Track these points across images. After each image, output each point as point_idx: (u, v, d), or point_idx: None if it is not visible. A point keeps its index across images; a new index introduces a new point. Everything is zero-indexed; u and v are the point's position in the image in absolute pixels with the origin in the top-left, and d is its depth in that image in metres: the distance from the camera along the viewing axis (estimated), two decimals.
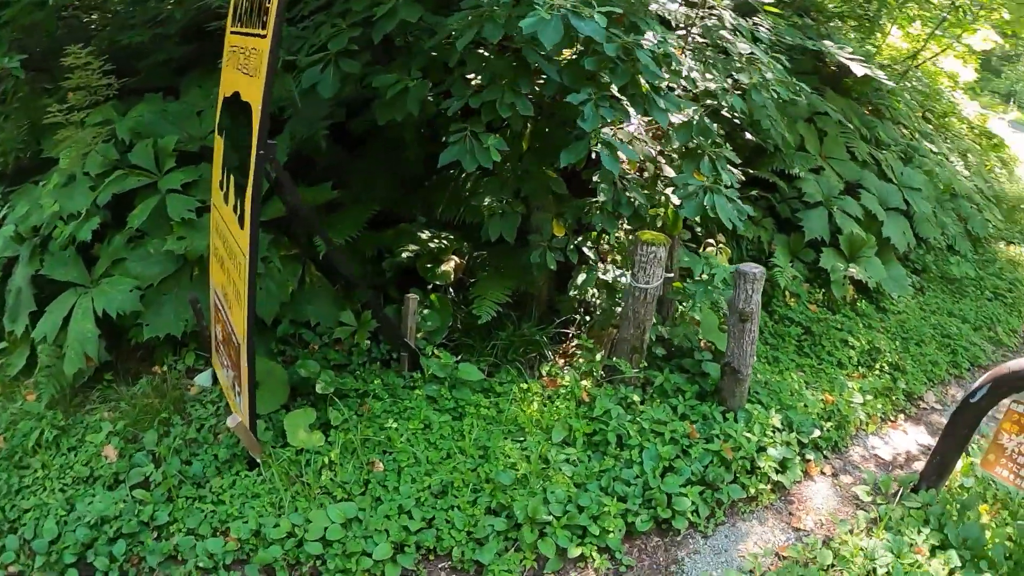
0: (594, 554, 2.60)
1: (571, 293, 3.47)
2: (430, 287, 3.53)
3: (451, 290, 3.66)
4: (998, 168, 7.87)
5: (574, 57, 2.76)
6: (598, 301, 3.68)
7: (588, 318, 3.64)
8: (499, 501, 2.65)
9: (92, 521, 2.51)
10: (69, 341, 3.06)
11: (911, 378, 4.14)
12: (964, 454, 3.14)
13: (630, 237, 3.55)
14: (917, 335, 4.50)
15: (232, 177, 2.47)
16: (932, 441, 3.68)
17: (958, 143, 7.04)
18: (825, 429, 3.49)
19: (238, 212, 2.35)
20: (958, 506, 3.01)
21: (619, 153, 2.83)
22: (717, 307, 3.76)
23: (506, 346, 3.44)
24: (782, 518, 3.04)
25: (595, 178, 3.17)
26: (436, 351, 3.34)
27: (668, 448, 3.02)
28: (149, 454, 2.89)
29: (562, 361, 3.48)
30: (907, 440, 3.72)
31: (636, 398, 3.23)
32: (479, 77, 2.84)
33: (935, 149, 6.08)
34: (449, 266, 3.65)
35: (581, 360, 3.35)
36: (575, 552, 2.56)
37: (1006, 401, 2.91)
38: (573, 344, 3.54)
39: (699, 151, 3.08)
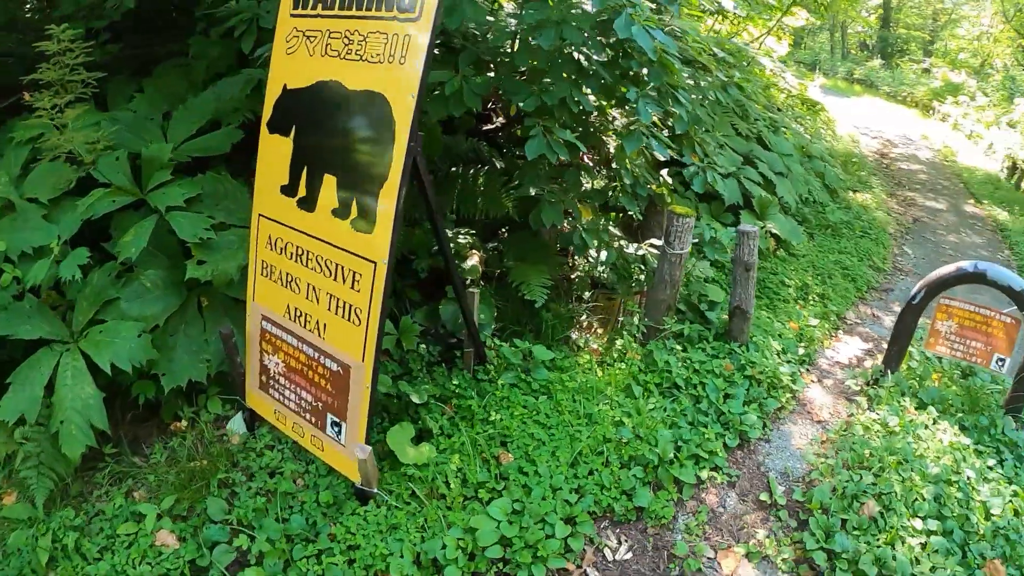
0: (712, 473, 3.18)
1: (599, 270, 4.01)
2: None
3: (482, 282, 3.98)
4: (823, 130, 9.94)
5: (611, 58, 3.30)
6: (606, 275, 4.27)
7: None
8: (628, 455, 3.08)
9: None
10: (64, 414, 2.57)
11: (834, 303, 5.34)
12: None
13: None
14: (826, 271, 5.78)
15: (332, 175, 2.34)
16: (868, 346, 4.87)
17: (790, 111, 8.84)
18: (801, 348, 4.45)
19: (354, 215, 2.28)
20: (918, 378, 4.09)
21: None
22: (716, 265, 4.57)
23: (551, 326, 3.88)
24: (805, 417, 3.88)
25: (614, 164, 3.75)
26: (494, 340, 3.63)
27: (720, 380, 3.72)
28: (223, 527, 2.57)
29: (601, 330, 4.00)
30: (850, 348, 4.83)
31: (679, 347, 3.89)
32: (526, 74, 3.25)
33: (776, 119, 7.64)
34: (475, 261, 3.98)
35: (624, 325, 3.91)
36: (704, 475, 3.12)
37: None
38: (596, 317, 4.09)
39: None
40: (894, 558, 2.58)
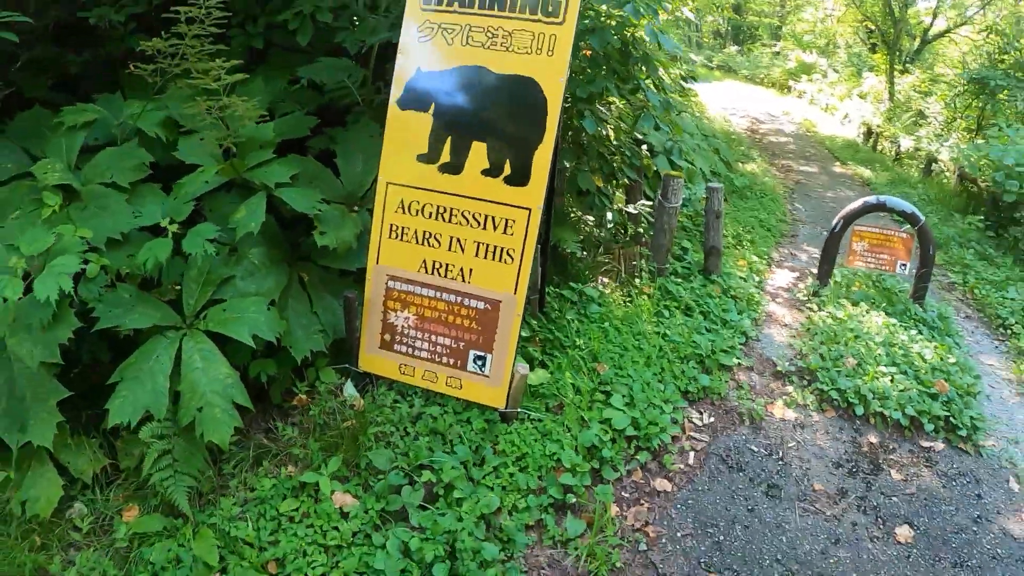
0: (738, 360, 4.49)
1: (608, 227, 5.25)
2: None
3: None
4: (698, 113, 11.79)
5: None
6: (612, 231, 5.50)
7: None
8: (682, 354, 4.29)
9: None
10: (201, 399, 2.56)
11: (762, 247, 6.93)
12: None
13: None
14: (748, 225, 7.40)
15: (481, 143, 3.02)
16: (796, 274, 6.45)
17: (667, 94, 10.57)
18: (755, 277, 5.94)
19: (505, 174, 2.98)
20: (845, 286, 5.69)
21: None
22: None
23: (583, 274, 5.04)
24: (775, 323, 5.31)
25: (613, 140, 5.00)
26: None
27: (715, 300, 5.07)
28: (397, 472, 2.82)
29: (623, 274, 5.21)
30: (784, 277, 6.39)
31: (679, 280, 5.20)
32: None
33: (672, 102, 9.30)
34: None
35: (638, 268, 5.16)
36: (733, 362, 4.42)
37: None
38: (611, 265, 5.31)
39: None
40: (879, 387, 4.01)
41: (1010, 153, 7.97)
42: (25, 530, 2.48)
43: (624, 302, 4.72)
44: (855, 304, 5.30)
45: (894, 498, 3.27)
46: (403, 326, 3.30)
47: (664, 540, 2.86)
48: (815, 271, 6.07)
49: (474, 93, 3.11)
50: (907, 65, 15.46)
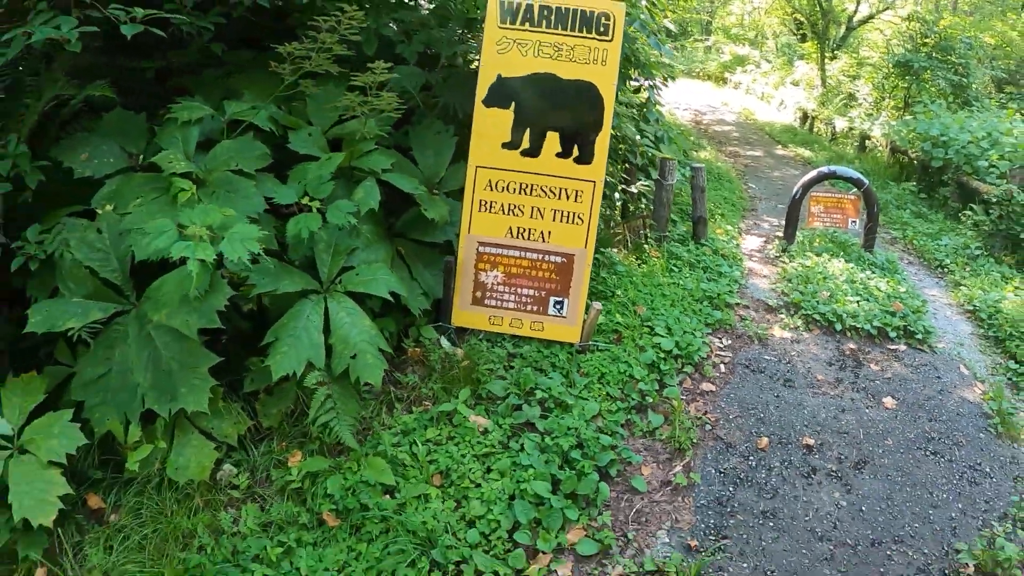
0: (736, 300, 5.69)
1: (616, 204, 6.41)
2: None
3: None
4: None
5: None
6: (618, 206, 6.65)
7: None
8: (695, 297, 5.44)
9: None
10: (354, 348, 3.12)
11: (732, 219, 8.25)
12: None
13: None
14: (715, 202, 8.72)
15: (555, 132, 4.11)
16: (763, 238, 7.77)
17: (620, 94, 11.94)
18: (733, 242, 7.22)
19: (575, 156, 4.17)
20: (808, 242, 7.02)
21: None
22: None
23: (604, 242, 6.15)
24: (755, 275, 6.55)
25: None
26: None
27: (709, 259, 6.29)
28: (512, 396, 3.68)
29: (631, 243, 6.36)
30: (754, 242, 7.68)
31: (678, 244, 6.40)
32: None
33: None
34: None
35: (644, 236, 6.33)
36: (735, 301, 5.61)
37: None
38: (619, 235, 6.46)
39: None
40: (850, 309, 5.27)
41: (935, 126, 9.60)
42: (182, 496, 2.88)
43: (639, 263, 5.87)
44: (818, 255, 6.61)
45: (876, 381, 4.51)
46: (492, 283, 4.30)
47: (721, 421, 3.98)
48: (780, 235, 7.38)
49: (547, 94, 4.17)
50: (835, 51, 17.40)
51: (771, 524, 3.22)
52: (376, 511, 2.87)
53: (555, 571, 2.83)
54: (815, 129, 15.45)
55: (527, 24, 4.15)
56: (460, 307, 4.31)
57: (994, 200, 7.32)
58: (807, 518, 3.27)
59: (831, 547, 3.11)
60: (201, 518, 2.83)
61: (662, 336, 4.61)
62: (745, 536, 3.13)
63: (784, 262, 6.66)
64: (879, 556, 3.08)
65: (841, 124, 14.02)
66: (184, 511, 2.84)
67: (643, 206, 6.67)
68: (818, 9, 17.56)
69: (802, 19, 19.48)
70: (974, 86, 12.16)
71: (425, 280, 4.17)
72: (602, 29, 4.13)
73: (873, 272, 6.28)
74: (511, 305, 4.33)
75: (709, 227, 7.41)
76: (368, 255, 3.62)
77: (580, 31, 4.13)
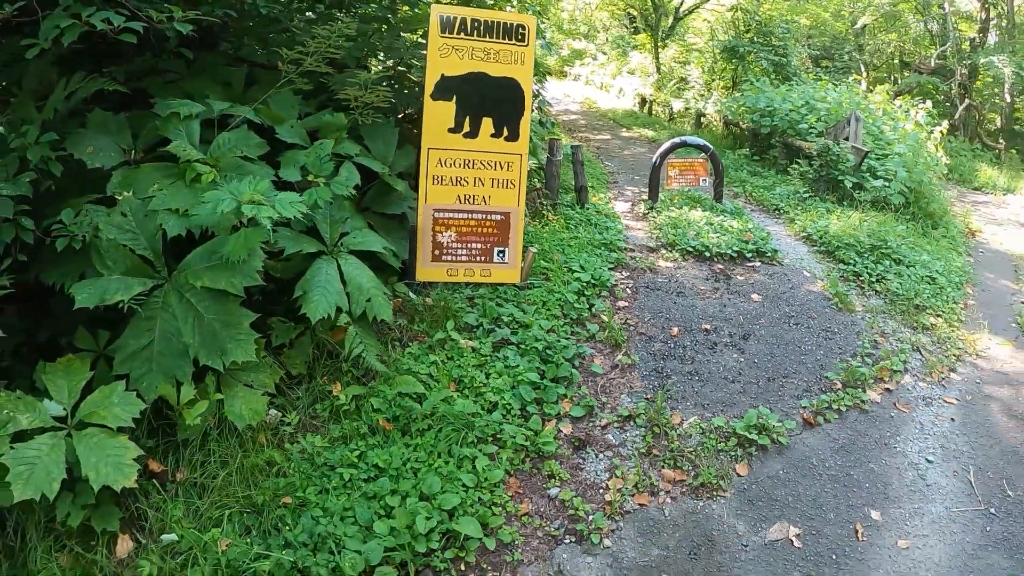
0: (626, 245, 7.06)
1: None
2: None
3: None
4: None
5: None
6: None
7: None
8: (595, 245, 6.71)
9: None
10: (368, 293, 3.87)
11: (600, 190, 9.74)
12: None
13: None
14: (592, 171, 10.15)
15: (488, 118, 5.24)
16: (629, 203, 9.29)
17: None
18: (607, 204, 8.66)
19: (505, 135, 5.28)
20: (669, 199, 8.61)
21: None
22: None
23: None
24: (631, 229, 8.00)
25: None
26: None
27: (596, 217, 7.65)
28: (484, 326, 4.67)
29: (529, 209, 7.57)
30: (623, 205, 9.17)
31: (568, 209, 7.70)
32: None
33: None
34: None
35: (540, 204, 7.56)
36: (624, 246, 6.97)
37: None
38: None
39: None
40: (713, 241, 6.79)
41: (761, 100, 11.71)
42: (242, 441, 3.29)
43: (543, 225, 7.09)
44: (679, 208, 8.16)
45: (744, 286, 6.00)
46: (447, 242, 5.30)
47: (640, 323, 5.24)
48: (645, 198, 8.89)
49: (480, 88, 5.22)
50: (665, 40, 19.76)
51: (696, 379, 4.51)
52: (418, 413, 3.73)
53: (561, 430, 3.92)
54: (653, 112, 17.60)
55: (462, 34, 5.17)
56: (422, 265, 5.27)
57: (815, 154, 9.29)
58: (719, 372, 4.60)
59: (741, 386, 4.45)
60: (271, 452, 3.30)
61: (579, 272, 5.83)
62: (682, 388, 4.40)
63: (653, 216, 8.14)
64: (775, 386, 4.47)
65: (678, 105, 16.20)
66: (251, 452, 3.26)
67: (535, 181, 7.91)
68: (651, 3, 19.91)
69: (635, 13, 21.87)
70: (793, 63, 14.63)
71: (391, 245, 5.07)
72: (520, 37, 5.27)
73: (725, 216, 7.91)
74: (464, 258, 5.36)
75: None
76: (353, 223, 4.33)
77: (503, 38, 5.24)
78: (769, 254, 6.76)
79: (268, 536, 2.89)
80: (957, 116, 18.88)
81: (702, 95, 15.87)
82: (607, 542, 3.16)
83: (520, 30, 5.27)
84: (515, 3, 8.60)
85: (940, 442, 4.15)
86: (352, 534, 2.90)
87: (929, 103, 12.49)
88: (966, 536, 3.38)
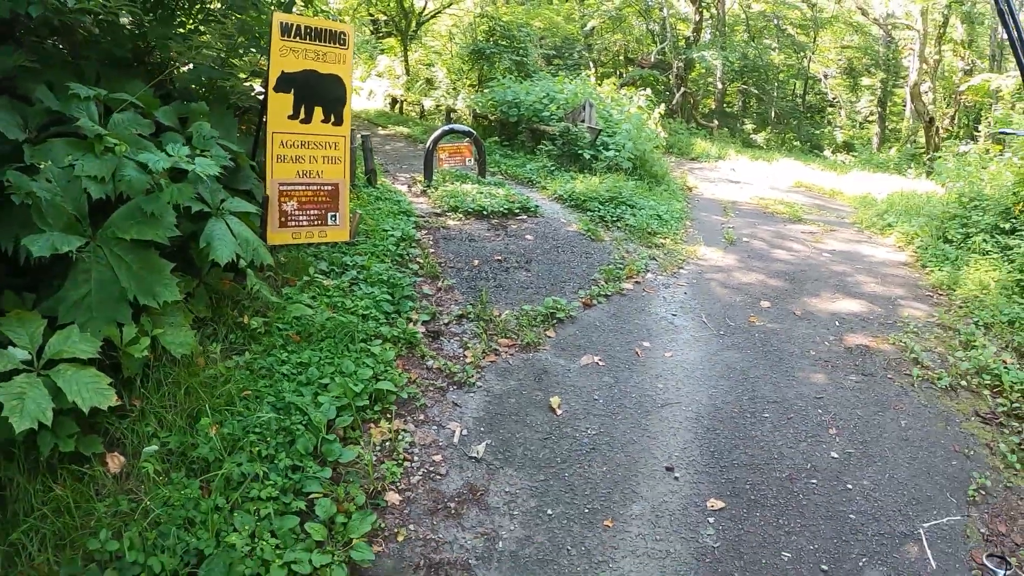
0: (415, 214, 8.48)
1: None
2: None
3: None
4: None
5: None
6: None
7: None
8: (395, 213, 8.08)
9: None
10: (253, 245, 4.60)
11: (379, 176, 11.05)
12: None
13: None
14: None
15: (319, 107, 6.28)
16: (406, 184, 10.76)
17: None
18: (390, 184, 10.05)
19: (332, 121, 6.39)
20: (442, 178, 10.23)
21: None
22: None
23: None
24: (416, 202, 9.47)
25: None
26: None
27: (388, 193, 8.99)
28: (336, 267, 6.18)
29: None
30: (403, 186, 10.61)
31: (365, 188, 8.93)
32: None
33: None
34: None
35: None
36: (416, 212, 8.38)
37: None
38: None
39: None
40: (487, 204, 8.47)
41: (508, 93, 13.83)
42: (182, 366, 4.00)
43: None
44: (452, 183, 9.78)
45: (518, 232, 7.80)
46: (291, 210, 6.33)
47: (448, 260, 6.73)
48: (420, 178, 10.38)
49: (312, 82, 6.29)
50: (410, 43, 21.42)
51: (501, 289, 6.16)
52: (315, 327, 4.85)
53: (419, 328, 5.22)
54: (404, 111, 19.17)
55: (298, 38, 6.22)
56: (272, 231, 6.22)
57: (557, 135, 11.51)
58: (517, 283, 6.30)
59: (534, 290, 6.18)
60: (213, 369, 4.09)
61: (391, 231, 7.18)
62: (493, 296, 6.01)
63: (432, 192, 9.67)
64: (559, 287, 6.29)
65: (428, 103, 17.92)
66: (197, 372, 4.01)
67: None
68: (400, 9, 21.43)
69: (382, 17, 23.27)
70: (530, 62, 17.02)
71: None
72: (342, 41, 6.46)
73: (491, 187, 9.70)
74: (304, 223, 6.42)
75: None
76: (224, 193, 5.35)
77: (329, 43, 6.38)
78: (532, 210, 8.62)
79: (241, 420, 3.81)
80: (674, 102, 23.12)
81: (449, 93, 17.79)
82: (478, 383, 4.64)
83: (342, 36, 6.47)
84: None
85: (679, 304, 6.30)
86: (306, 404, 3.97)
87: (649, 91, 15.59)
88: (707, 347, 5.46)
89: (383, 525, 3.40)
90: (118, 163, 4.11)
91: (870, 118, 30.58)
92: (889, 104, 29.65)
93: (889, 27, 26.12)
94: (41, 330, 3.36)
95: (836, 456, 4.20)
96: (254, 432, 3.67)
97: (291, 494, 3.39)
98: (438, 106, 17.63)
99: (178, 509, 3.17)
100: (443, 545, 3.32)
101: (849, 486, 3.94)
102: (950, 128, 23.99)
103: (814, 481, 3.96)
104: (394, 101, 20.14)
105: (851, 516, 3.71)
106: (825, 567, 3.36)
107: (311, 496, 3.43)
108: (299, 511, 3.30)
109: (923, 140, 23.01)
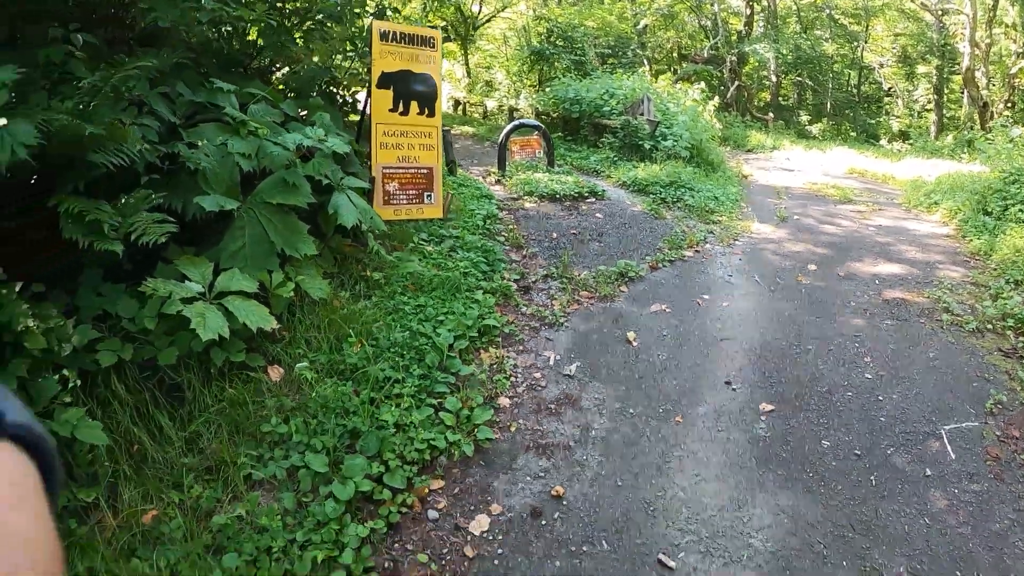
0: (496, 198, 9.45)
1: None
2: None
3: None
4: None
5: None
6: None
7: None
8: (477, 197, 9.06)
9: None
10: (370, 212, 5.61)
11: (458, 167, 12.09)
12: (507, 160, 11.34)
13: None
14: None
15: (415, 101, 7.45)
16: (480, 173, 11.76)
17: None
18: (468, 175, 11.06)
19: (426, 113, 7.53)
20: (515, 168, 11.20)
21: None
22: None
23: None
24: (494, 189, 10.45)
25: None
26: None
27: (469, 180, 9.99)
28: (435, 238, 7.79)
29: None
30: (476, 174, 11.62)
31: (447, 176, 9.97)
32: None
33: None
34: None
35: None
36: (495, 198, 9.36)
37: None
38: None
39: None
40: (559, 189, 9.40)
41: (569, 91, 14.73)
42: (321, 306, 4.90)
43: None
44: (525, 172, 10.73)
45: (588, 212, 8.68)
46: (393, 190, 7.43)
47: (529, 233, 7.67)
48: (495, 169, 11.36)
49: (408, 80, 7.41)
50: (469, 48, 22.60)
51: (579, 256, 7.09)
52: (425, 280, 5.85)
53: (511, 284, 6.17)
54: (467, 112, 20.28)
55: (394, 43, 7.32)
56: (377, 207, 7.30)
57: (618, 127, 12.36)
58: (591, 251, 7.22)
59: (607, 257, 7.09)
60: (351, 308, 5.16)
61: (478, 211, 8.15)
62: (572, 261, 6.90)
63: (506, 181, 10.64)
64: (628, 254, 7.15)
65: (491, 104, 19.01)
66: (334, 312, 4.91)
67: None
68: (459, 15, 22.68)
69: (443, 23, 24.57)
70: (588, 61, 17.97)
71: None
72: (432, 45, 7.51)
73: (560, 175, 10.62)
74: (404, 201, 7.48)
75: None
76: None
77: (421, 46, 7.46)
78: (599, 194, 9.51)
79: (377, 343, 4.81)
80: (729, 95, 23.74)
81: (510, 93, 18.85)
82: (566, 324, 5.57)
83: (431, 40, 7.52)
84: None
85: (734, 268, 7.13)
86: (429, 331, 4.95)
87: (703, 85, 16.39)
88: (759, 299, 6.28)
89: (498, 420, 4.36)
90: (260, 143, 5.12)
91: (928, 106, 30.50)
92: (946, 91, 29.56)
93: (939, 12, 26.18)
94: (210, 271, 4.11)
95: (870, 377, 5.00)
96: (390, 350, 4.66)
97: (424, 394, 4.36)
98: (500, 106, 18.68)
99: (335, 402, 4.11)
100: (547, 433, 4.25)
101: (880, 398, 4.74)
102: (1006, 112, 23.97)
103: (850, 394, 4.77)
104: (457, 103, 21.30)
105: (881, 419, 4.51)
106: (858, 451, 4.18)
107: (440, 397, 4.40)
108: (432, 406, 4.27)
109: (979, 126, 23.09)
